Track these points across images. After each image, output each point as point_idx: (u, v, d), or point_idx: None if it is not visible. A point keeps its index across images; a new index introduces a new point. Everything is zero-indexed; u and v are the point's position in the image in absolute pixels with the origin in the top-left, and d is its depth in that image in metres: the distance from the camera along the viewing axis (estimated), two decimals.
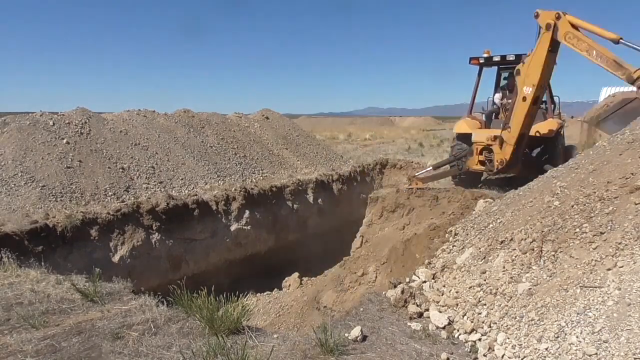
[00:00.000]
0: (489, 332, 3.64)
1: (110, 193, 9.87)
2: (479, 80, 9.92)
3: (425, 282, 4.75)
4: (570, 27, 6.42)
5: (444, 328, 3.89)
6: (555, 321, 3.23)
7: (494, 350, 3.43)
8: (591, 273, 3.39)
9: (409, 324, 4.01)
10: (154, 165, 11.37)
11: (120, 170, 10.65)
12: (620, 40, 5.93)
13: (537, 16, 6.85)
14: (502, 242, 4.45)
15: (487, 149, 8.84)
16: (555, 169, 5.61)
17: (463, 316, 3.94)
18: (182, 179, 11.47)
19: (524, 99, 7.50)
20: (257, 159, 14.15)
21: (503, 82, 10.22)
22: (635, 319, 2.82)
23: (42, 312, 3.85)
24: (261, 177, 13.23)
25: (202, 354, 3.02)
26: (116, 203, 9.49)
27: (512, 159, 8.26)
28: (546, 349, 3.09)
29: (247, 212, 11.21)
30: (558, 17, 6.54)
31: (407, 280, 4.90)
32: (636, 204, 3.64)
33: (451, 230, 5.68)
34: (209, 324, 3.49)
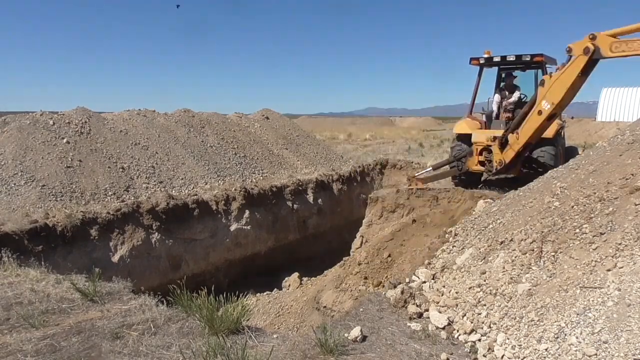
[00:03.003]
0: (489, 332, 3.64)
1: (110, 193, 9.88)
2: (479, 81, 9.91)
3: (425, 282, 4.74)
4: (611, 39, 6.18)
5: (443, 328, 3.89)
6: (555, 322, 3.23)
7: (493, 350, 3.42)
8: (591, 274, 3.39)
9: (408, 324, 4.01)
10: (154, 165, 11.37)
11: (120, 170, 10.65)
12: None
13: (570, 50, 6.60)
14: (502, 242, 4.45)
15: (487, 149, 8.85)
16: (555, 169, 5.61)
17: (463, 316, 3.94)
18: (182, 179, 11.47)
19: (540, 112, 7.28)
20: (257, 159, 14.15)
21: (503, 83, 10.22)
22: (635, 320, 2.82)
23: (41, 311, 3.84)
24: (261, 177, 13.22)
25: (202, 353, 3.02)
26: (116, 203, 9.49)
27: (512, 163, 8.32)
28: (546, 349, 3.09)
29: (247, 212, 11.21)
30: (594, 38, 6.29)
31: (407, 280, 4.90)
32: (636, 205, 3.64)
33: (451, 231, 5.68)
34: (209, 324, 3.48)
